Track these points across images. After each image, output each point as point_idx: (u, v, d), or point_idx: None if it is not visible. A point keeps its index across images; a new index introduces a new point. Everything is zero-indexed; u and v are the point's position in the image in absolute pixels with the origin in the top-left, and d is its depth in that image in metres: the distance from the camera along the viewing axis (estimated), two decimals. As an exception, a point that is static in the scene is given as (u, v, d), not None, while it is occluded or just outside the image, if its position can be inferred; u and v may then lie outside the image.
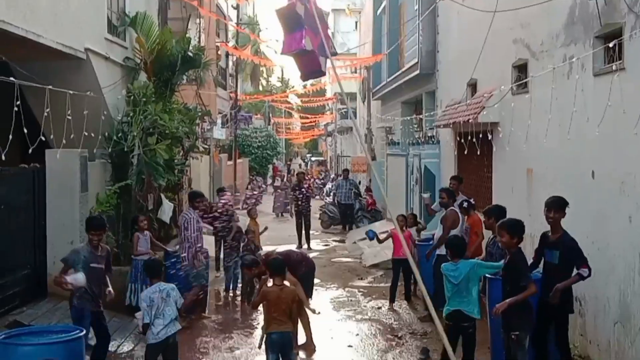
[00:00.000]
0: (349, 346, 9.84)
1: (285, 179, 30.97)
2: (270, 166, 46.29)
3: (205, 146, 21.71)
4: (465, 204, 10.93)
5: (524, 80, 10.22)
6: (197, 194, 11.59)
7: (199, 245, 10.91)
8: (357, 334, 10.44)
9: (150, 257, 9.30)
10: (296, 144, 72.79)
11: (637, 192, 7.06)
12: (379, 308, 11.83)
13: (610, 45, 7.10)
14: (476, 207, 11.34)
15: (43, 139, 8.59)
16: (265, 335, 7.69)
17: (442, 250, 9.72)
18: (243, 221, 13.97)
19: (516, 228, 7.28)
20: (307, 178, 25.25)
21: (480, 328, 9.57)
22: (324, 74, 8.06)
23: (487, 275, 8.26)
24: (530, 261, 7.75)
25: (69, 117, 8.91)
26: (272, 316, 7.54)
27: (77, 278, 7.67)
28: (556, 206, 7.48)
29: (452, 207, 10.58)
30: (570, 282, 7.29)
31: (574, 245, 7.29)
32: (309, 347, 9.48)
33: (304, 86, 50.23)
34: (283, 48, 7.36)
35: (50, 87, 8.64)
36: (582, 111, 7.89)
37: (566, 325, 7.45)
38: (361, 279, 14.66)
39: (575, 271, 7.27)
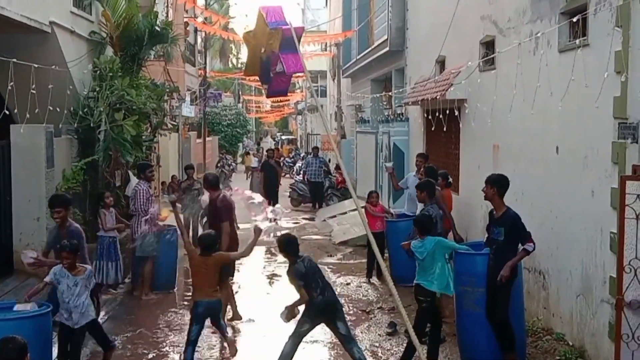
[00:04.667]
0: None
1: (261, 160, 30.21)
2: (241, 144, 46.03)
3: (174, 123, 21.55)
4: (449, 179, 11.10)
5: (491, 56, 10.30)
6: (146, 165, 11.62)
7: (150, 216, 11.01)
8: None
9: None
10: (266, 122, 72.48)
11: (600, 166, 7.17)
12: (348, 284, 11.92)
13: (575, 20, 7.18)
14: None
15: (7, 113, 8.45)
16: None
17: None
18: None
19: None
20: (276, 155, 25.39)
21: (450, 302, 9.73)
22: (286, 93, 8.29)
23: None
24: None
25: (34, 92, 8.76)
26: (196, 285, 7.67)
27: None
28: (488, 181, 7.63)
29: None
30: (519, 258, 7.41)
31: (517, 221, 7.40)
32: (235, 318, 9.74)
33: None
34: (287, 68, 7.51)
35: (14, 60, 8.49)
36: (547, 86, 7.98)
37: (507, 299, 7.47)
38: (330, 255, 14.74)
39: (520, 247, 7.41)
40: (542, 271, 8.69)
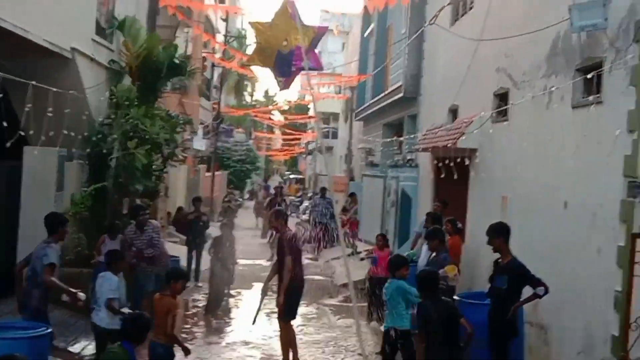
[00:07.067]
0: (315, 362, 9.83)
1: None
2: (249, 181, 46.13)
3: (185, 155, 21.68)
4: (459, 224, 11.14)
5: (504, 108, 10.36)
6: (139, 207, 11.24)
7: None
8: (323, 352, 10.42)
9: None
10: (276, 160, 72.70)
11: (608, 224, 7.16)
12: (348, 327, 11.81)
13: (589, 76, 7.24)
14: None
15: (22, 134, 8.54)
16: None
17: None
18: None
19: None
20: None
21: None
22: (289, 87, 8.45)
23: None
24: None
25: (50, 115, 8.86)
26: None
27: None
28: (490, 233, 7.67)
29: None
30: (527, 300, 7.42)
31: (522, 269, 7.40)
32: None
33: (288, 102, 49.99)
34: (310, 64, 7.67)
35: (33, 82, 8.60)
36: (559, 141, 8.01)
37: (506, 349, 7.43)
38: (332, 297, 14.67)
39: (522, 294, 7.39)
40: (545, 326, 8.61)
